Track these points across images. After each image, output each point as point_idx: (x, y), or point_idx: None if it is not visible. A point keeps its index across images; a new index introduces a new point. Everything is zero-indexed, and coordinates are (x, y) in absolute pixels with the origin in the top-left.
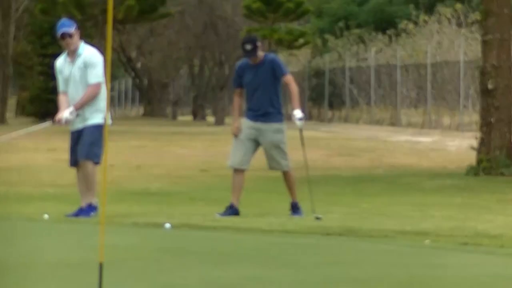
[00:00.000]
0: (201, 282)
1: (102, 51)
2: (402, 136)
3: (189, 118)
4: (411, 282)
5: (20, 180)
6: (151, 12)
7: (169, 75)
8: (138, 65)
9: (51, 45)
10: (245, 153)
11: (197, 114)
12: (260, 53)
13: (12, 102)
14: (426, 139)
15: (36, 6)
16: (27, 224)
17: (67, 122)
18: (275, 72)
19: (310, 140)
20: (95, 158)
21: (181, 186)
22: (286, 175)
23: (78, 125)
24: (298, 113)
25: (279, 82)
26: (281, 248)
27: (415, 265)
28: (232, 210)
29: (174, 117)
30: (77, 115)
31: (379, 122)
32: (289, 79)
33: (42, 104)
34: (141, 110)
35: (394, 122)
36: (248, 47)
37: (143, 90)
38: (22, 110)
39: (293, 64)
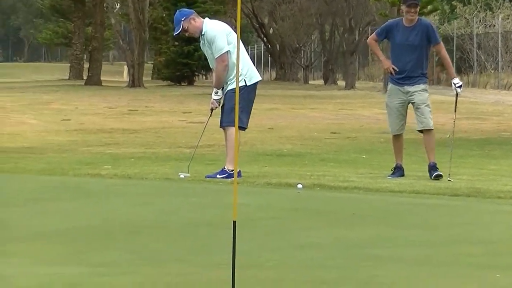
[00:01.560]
0: (334, 241)
1: (235, 17)
2: None
3: (320, 82)
4: None
5: (157, 141)
6: None
7: (300, 40)
8: (270, 30)
9: None
10: (401, 119)
11: (328, 78)
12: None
13: (148, 66)
14: None
15: None
16: (164, 183)
17: (217, 101)
18: (429, 38)
19: (438, 104)
20: (239, 123)
21: (312, 147)
22: (429, 134)
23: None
24: (457, 81)
25: (429, 47)
26: (410, 208)
27: None
28: (400, 171)
29: (305, 81)
30: (222, 89)
31: (506, 87)
32: (441, 47)
33: (177, 68)
34: (273, 74)
35: None
36: None
37: (275, 55)
38: (158, 74)
39: None
